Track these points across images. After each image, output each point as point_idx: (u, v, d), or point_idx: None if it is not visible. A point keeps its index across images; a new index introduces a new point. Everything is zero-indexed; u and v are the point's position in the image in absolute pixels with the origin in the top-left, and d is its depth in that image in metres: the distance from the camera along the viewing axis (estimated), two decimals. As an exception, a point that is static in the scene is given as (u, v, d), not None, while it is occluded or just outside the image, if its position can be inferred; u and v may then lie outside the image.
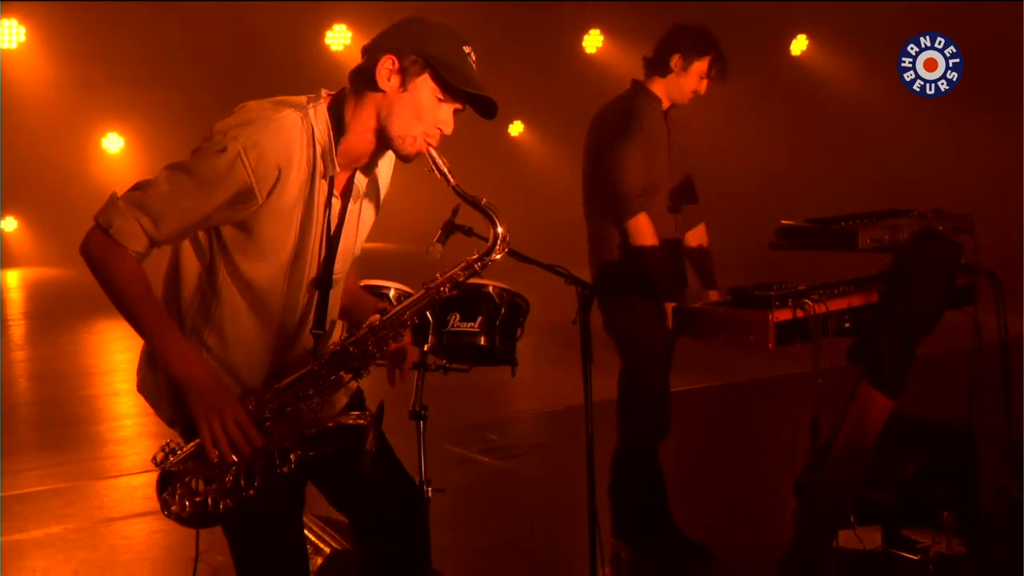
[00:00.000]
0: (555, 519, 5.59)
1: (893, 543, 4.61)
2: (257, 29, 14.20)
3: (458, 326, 3.88)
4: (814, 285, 4.37)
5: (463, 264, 3.02)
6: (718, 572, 4.96)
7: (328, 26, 15.43)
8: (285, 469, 2.90)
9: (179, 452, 2.91)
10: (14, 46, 13.94)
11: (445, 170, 2.92)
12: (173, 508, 2.90)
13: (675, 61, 4.83)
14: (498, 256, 3.01)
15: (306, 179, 2.89)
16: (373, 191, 3.13)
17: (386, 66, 2.86)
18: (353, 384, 3.17)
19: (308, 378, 2.95)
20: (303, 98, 2.93)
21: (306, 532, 4.28)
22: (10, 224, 15.22)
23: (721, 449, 6.61)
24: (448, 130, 2.94)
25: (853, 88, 16.86)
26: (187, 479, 2.89)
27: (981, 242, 4.53)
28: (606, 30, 16.65)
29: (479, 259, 3.01)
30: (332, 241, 3.00)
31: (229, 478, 2.87)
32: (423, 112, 2.89)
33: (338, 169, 2.93)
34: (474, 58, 2.91)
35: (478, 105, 2.92)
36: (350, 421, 2.97)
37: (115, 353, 10.57)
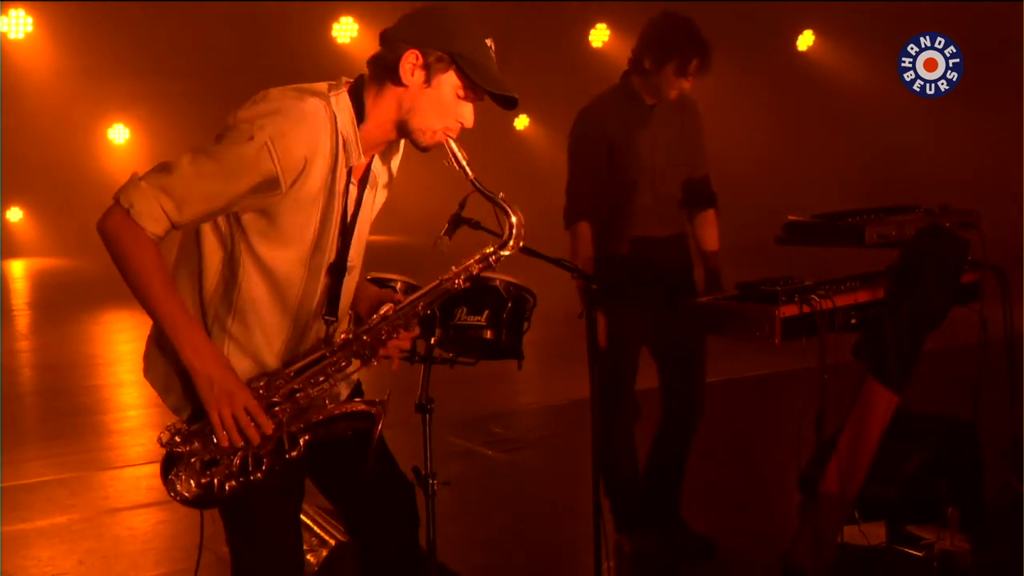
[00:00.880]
0: (559, 512, 5.60)
1: (897, 539, 4.62)
2: (264, 21, 14.21)
3: (465, 319, 3.87)
4: (821, 280, 4.37)
5: (478, 256, 3.02)
6: (721, 565, 4.96)
7: (335, 18, 15.43)
8: (294, 453, 2.91)
9: (185, 433, 2.92)
10: (21, 36, 13.95)
11: (464, 163, 2.92)
12: (179, 488, 2.91)
13: (647, 62, 4.78)
14: (513, 250, 3.01)
15: (329, 168, 2.89)
16: (387, 177, 3.15)
17: (409, 60, 2.86)
18: (354, 377, 3.18)
19: (320, 364, 2.96)
20: (324, 85, 2.93)
21: (312, 524, 4.30)
22: (15, 214, 15.25)
23: (726, 443, 6.61)
24: (469, 124, 2.94)
25: (860, 84, 16.84)
26: (193, 460, 2.90)
27: (988, 238, 4.53)
28: (612, 24, 16.63)
29: (494, 252, 3.01)
30: (347, 228, 3.01)
31: (236, 461, 2.88)
32: (445, 107, 2.90)
33: (363, 158, 2.95)
34: (495, 50, 2.91)
35: (500, 99, 2.93)
36: (360, 408, 2.98)
37: (120, 343, 10.58)
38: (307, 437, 2.93)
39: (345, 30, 15.54)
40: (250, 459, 2.88)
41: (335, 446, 3.02)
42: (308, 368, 2.96)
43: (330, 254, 3.00)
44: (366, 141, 2.94)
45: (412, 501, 3.34)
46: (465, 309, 3.87)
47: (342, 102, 2.90)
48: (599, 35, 16.84)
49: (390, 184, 3.18)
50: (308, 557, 4.13)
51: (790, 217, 4.61)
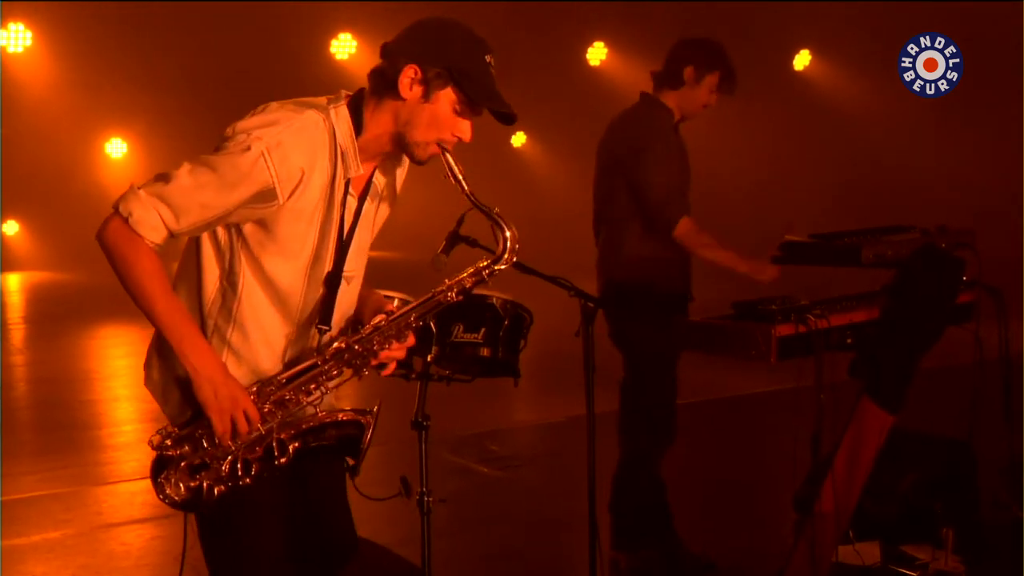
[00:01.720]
0: (555, 529, 5.59)
1: (892, 559, 4.62)
2: (263, 36, 14.24)
3: (462, 337, 3.88)
4: (817, 300, 4.38)
5: (471, 271, 3.03)
6: (717, 584, 4.96)
7: (334, 35, 15.48)
8: (283, 460, 2.92)
9: (176, 436, 2.93)
10: (20, 50, 13.98)
11: (460, 177, 2.94)
12: (168, 491, 2.92)
13: (688, 73, 4.84)
14: (506, 265, 3.03)
15: (328, 180, 2.91)
16: (390, 191, 3.16)
17: (408, 75, 2.88)
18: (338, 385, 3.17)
19: (311, 372, 2.97)
20: (323, 99, 2.96)
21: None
22: (12, 227, 15.24)
23: (722, 462, 6.61)
24: (467, 139, 2.96)
25: (857, 103, 16.90)
26: (183, 464, 2.91)
27: (983, 258, 4.54)
28: (610, 43, 16.68)
29: (487, 267, 3.02)
30: (345, 240, 3.03)
31: (226, 465, 2.89)
32: (443, 122, 2.91)
33: (361, 170, 2.96)
34: (494, 65, 2.92)
35: (498, 115, 2.95)
36: (350, 417, 3.00)
37: (116, 358, 10.57)
38: (296, 444, 2.94)
39: (344, 46, 15.59)
40: (240, 464, 2.89)
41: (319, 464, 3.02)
42: (299, 376, 2.97)
43: (328, 264, 3.02)
44: (363, 152, 2.96)
45: (349, 557, 3.31)
46: (462, 326, 3.88)
47: (341, 115, 2.92)
48: (596, 53, 16.89)
49: (394, 197, 3.19)
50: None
51: (787, 236, 4.62)
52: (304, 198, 2.88)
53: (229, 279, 2.96)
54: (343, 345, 3.00)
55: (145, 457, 2.98)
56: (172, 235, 2.83)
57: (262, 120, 2.84)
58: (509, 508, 6.16)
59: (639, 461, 4.92)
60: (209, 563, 3.09)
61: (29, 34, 13.97)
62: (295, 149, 2.82)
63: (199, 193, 2.79)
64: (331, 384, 3.00)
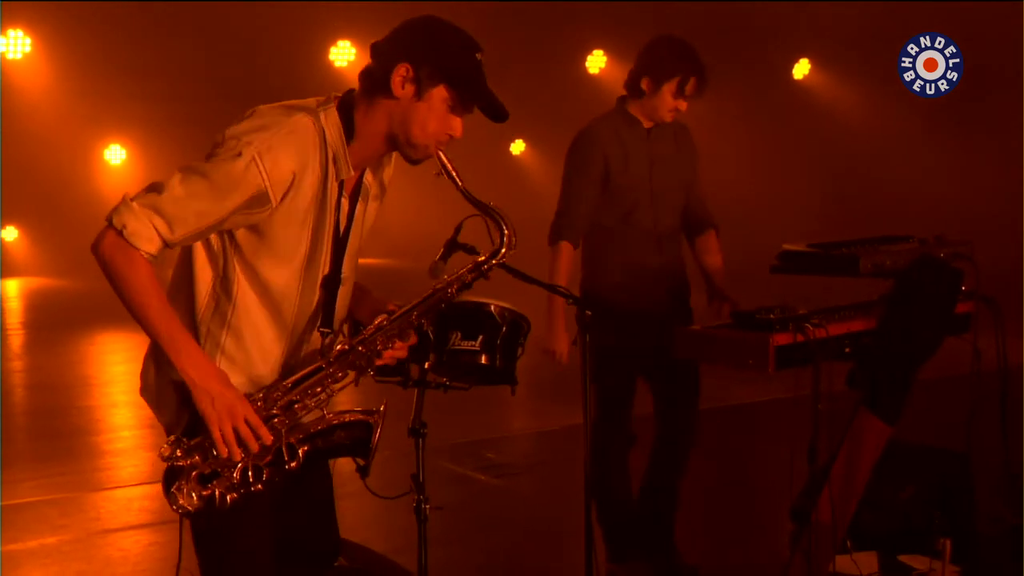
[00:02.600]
0: (551, 538, 5.58)
1: (889, 569, 4.62)
2: (261, 43, 14.25)
3: (459, 344, 3.87)
4: (815, 309, 4.37)
5: (470, 266, 3.06)
6: (713, 595, 4.95)
7: (333, 42, 15.48)
8: (293, 464, 2.93)
9: (186, 447, 2.93)
10: (19, 56, 13.99)
11: (454, 173, 2.97)
12: (181, 501, 2.92)
13: (644, 83, 4.80)
14: (504, 259, 3.05)
15: (319, 182, 2.92)
16: (379, 189, 3.17)
17: (400, 73, 2.89)
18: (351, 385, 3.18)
19: (317, 376, 2.98)
20: (313, 101, 2.97)
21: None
22: (11, 233, 15.23)
23: (719, 472, 6.60)
24: (458, 135, 2.97)
25: (856, 112, 16.92)
26: (194, 473, 2.91)
27: (982, 269, 4.54)
28: (609, 51, 16.70)
29: (486, 261, 3.05)
30: (340, 242, 3.04)
31: (237, 473, 2.89)
32: (436, 120, 2.93)
33: (352, 172, 2.96)
34: (484, 63, 2.94)
35: (490, 112, 2.96)
36: (358, 418, 3.01)
37: (114, 364, 10.57)
38: (306, 448, 2.95)
39: (342, 54, 15.60)
40: (250, 471, 2.90)
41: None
42: (305, 380, 2.98)
43: (324, 267, 3.03)
44: (359, 155, 2.97)
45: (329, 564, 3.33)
46: (459, 334, 3.87)
47: (330, 117, 2.93)
48: (596, 61, 16.92)
49: (383, 196, 3.20)
50: None
51: (785, 246, 4.62)
52: (295, 201, 2.89)
53: (223, 285, 2.96)
54: (346, 347, 3.01)
55: (143, 463, 2.99)
56: (167, 245, 2.84)
57: (251, 125, 2.86)
58: (506, 516, 6.16)
59: (601, 467, 4.82)
60: (202, 568, 3.08)
61: (28, 41, 13.98)
62: (285, 152, 2.83)
63: (192, 202, 2.80)
64: (337, 386, 3.02)
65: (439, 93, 2.90)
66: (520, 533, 5.84)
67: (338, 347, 3.01)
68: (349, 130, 2.94)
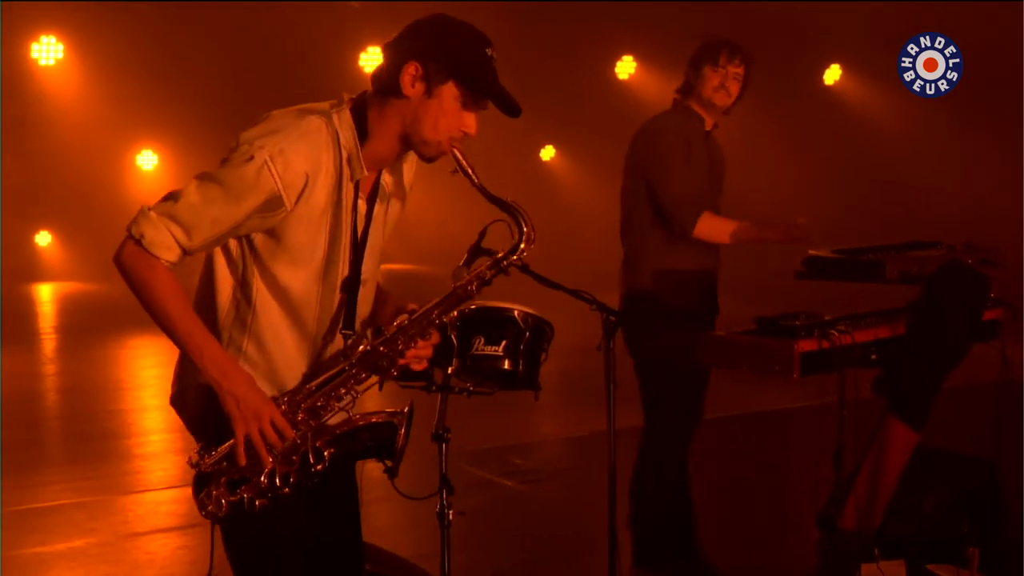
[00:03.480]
0: (576, 544, 5.57)
1: (916, 578, 4.58)
2: (293, 49, 14.31)
3: (482, 350, 3.88)
4: (841, 316, 4.36)
5: (490, 262, 3.05)
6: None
7: (363, 48, 15.53)
8: (319, 467, 2.94)
9: (214, 453, 2.94)
10: (52, 63, 14.10)
11: (469, 170, 2.95)
12: (210, 508, 2.93)
13: (689, 76, 4.86)
14: (524, 254, 3.03)
15: (334, 184, 2.93)
16: (399, 189, 3.16)
17: (409, 72, 2.89)
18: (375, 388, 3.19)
19: (340, 378, 2.98)
20: (326, 104, 2.98)
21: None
22: (44, 238, 15.36)
23: (744, 479, 6.58)
24: (472, 132, 2.97)
25: (887, 118, 16.82)
26: (223, 479, 2.92)
27: (1011, 276, 4.51)
28: (639, 57, 16.68)
29: (505, 257, 3.04)
30: (359, 244, 3.04)
31: (264, 478, 2.90)
32: (448, 117, 2.92)
33: (365, 172, 2.97)
34: (495, 58, 2.93)
35: (502, 106, 2.95)
36: (384, 419, 3.01)
37: (145, 368, 10.64)
38: (332, 450, 2.96)
39: (373, 59, 15.64)
40: (278, 476, 2.91)
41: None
42: (329, 382, 2.98)
43: (343, 269, 3.03)
44: (374, 156, 2.98)
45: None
46: (483, 339, 3.87)
47: (344, 119, 2.94)
48: (625, 67, 16.88)
49: (404, 198, 3.19)
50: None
51: (810, 252, 4.60)
52: (310, 203, 2.90)
53: (243, 291, 2.98)
54: (368, 348, 3.01)
55: (172, 467, 3.01)
56: (186, 252, 2.86)
57: (264, 129, 2.87)
58: (531, 522, 6.15)
59: (653, 467, 4.85)
60: (235, 570, 3.09)
61: (61, 47, 14.09)
62: (298, 155, 2.85)
63: (208, 208, 2.82)
64: (360, 388, 3.02)
65: (449, 90, 2.90)
66: (545, 539, 5.83)
67: (360, 348, 3.02)
68: (363, 131, 2.95)
